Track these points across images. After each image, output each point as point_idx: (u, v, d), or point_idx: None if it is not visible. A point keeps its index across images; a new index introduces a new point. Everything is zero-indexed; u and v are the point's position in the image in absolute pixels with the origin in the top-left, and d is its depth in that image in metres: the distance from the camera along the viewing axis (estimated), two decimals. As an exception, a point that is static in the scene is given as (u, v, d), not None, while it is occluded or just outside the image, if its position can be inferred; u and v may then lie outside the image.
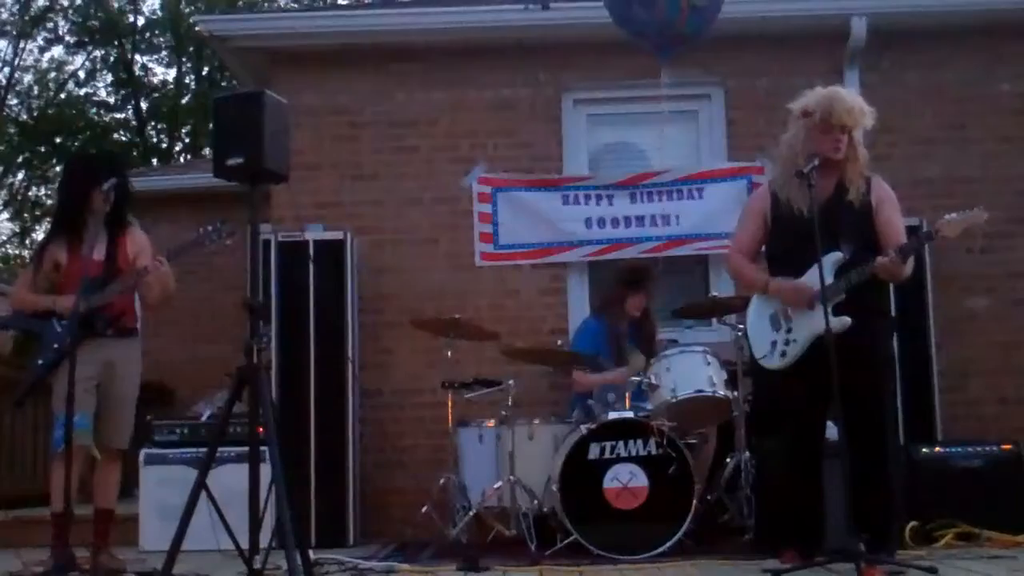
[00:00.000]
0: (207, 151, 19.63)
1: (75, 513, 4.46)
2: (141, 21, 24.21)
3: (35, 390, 4.80)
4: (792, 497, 4.36)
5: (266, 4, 23.61)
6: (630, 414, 5.14)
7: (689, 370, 5.22)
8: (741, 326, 4.90)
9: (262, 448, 3.54)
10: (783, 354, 4.29)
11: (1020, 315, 6.41)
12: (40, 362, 4.68)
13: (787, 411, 4.36)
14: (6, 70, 23.91)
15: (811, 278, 4.14)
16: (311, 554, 3.81)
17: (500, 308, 6.50)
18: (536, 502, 5.22)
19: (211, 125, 4.48)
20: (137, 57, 24.10)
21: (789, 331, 4.29)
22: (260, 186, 3.78)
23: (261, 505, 3.49)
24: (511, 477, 5.17)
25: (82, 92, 24.53)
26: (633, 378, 5.35)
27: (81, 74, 24.53)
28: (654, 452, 4.99)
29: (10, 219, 25.54)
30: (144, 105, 24.10)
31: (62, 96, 24.40)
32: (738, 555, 4.69)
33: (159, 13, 24.00)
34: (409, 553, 5.30)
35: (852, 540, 3.88)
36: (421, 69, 6.69)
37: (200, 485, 3.50)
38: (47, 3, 23.64)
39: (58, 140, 23.62)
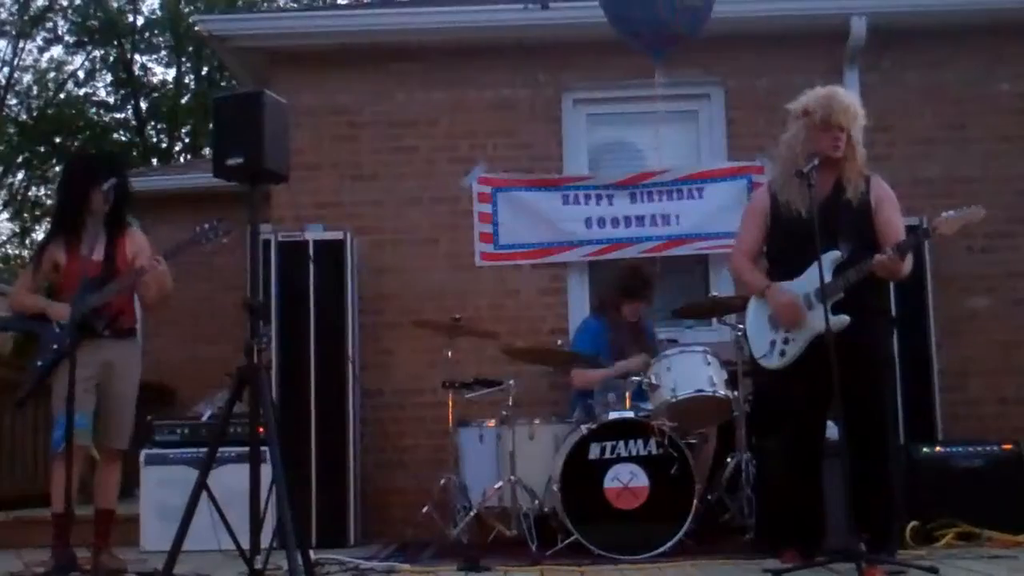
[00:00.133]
0: (207, 151, 19.63)
1: (76, 513, 4.47)
2: (140, 21, 24.26)
3: (35, 391, 4.80)
4: (792, 497, 4.36)
5: (265, 4, 23.61)
6: (630, 414, 5.15)
7: (689, 370, 5.21)
8: (741, 326, 4.90)
9: (263, 448, 3.54)
10: (782, 353, 4.30)
11: (1020, 315, 6.40)
12: (39, 363, 4.69)
13: (787, 411, 4.36)
14: (6, 70, 23.95)
15: (810, 277, 4.15)
16: (312, 554, 3.81)
17: (500, 308, 6.50)
18: (537, 502, 5.22)
19: (211, 125, 4.48)
20: (137, 57, 24.15)
21: (788, 330, 4.28)
22: (260, 186, 3.78)
23: (262, 505, 3.49)
24: (512, 477, 5.17)
25: (82, 92, 24.57)
26: (634, 378, 5.35)
27: (81, 74, 24.59)
28: (655, 452, 4.99)
29: (10, 219, 25.60)
30: (144, 105, 24.12)
31: (62, 96, 24.41)
32: (739, 555, 4.70)
33: (158, 13, 24.03)
34: (410, 553, 5.30)
35: (853, 540, 3.89)
36: (421, 69, 6.69)
37: (201, 485, 3.50)
38: (46, 3, 23.64)
39: (58, 140, 23.64)
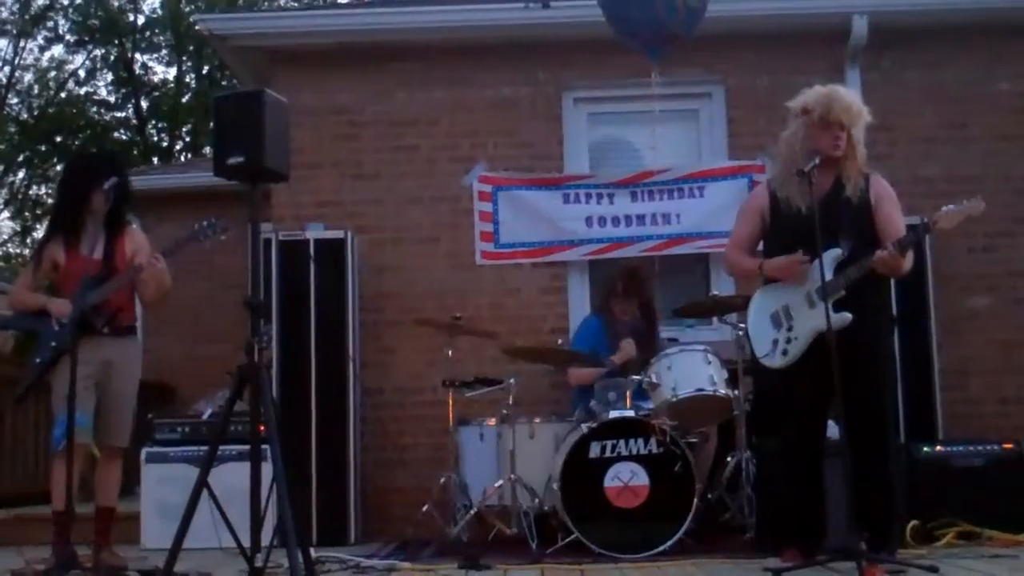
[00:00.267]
0: (207, 150, 19.64)
1: (76, 511, 4.47)
2: (141, 20, 24.30)
3: (35, 388, 4.81)
4: (793, 496, 4.36)
5: (266, 3, 23.64)
6: (631, 413, 5.15)
7: (690, 369, 5.21)
8: (742, 325, 4.90)
9: (263, 446, 3.54)
10: (784, 352, 4.29)
11: (1021, 314, 6.40)
12: (38, 360, 4.69)
13: (788, 410, 4.36)
14: (6, 69, 23.97)
15: (811, 275, 4.15)
16: (312, 552, 3.81)
17: (501, 307, 6.50)
18: (537, 501, 5.23)
19: (211, 124, 4.48)
20: (137, 56, 24.18)
21: (790, 329, 4.28)
22: (260, 185, 3.78)
23: (262, 503, 3.49)
24: (512, 476, 5.18)
25: (82, 91, 24.61)
26: (634, 376, 5.35)
27: (81, 73, 24.62)
28: (655, 451, 4.99)
29: (11, 218, 25.61)
30: (144, 104, 24.14)
31: (62, 95, 24.44)
32: (739, 554, 4.69)
33: (159, 12, 24.06)
34: (410, 551, 5.30)
35: (853, 539, 3.89)
36: (421, 68, 6.69)
37: (202, 483, 3.50)
38: (47, 2, 23.65)
39: (58, 139, 23.67)
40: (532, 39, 6.60)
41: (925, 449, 5.38)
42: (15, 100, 24.22)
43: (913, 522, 4.91)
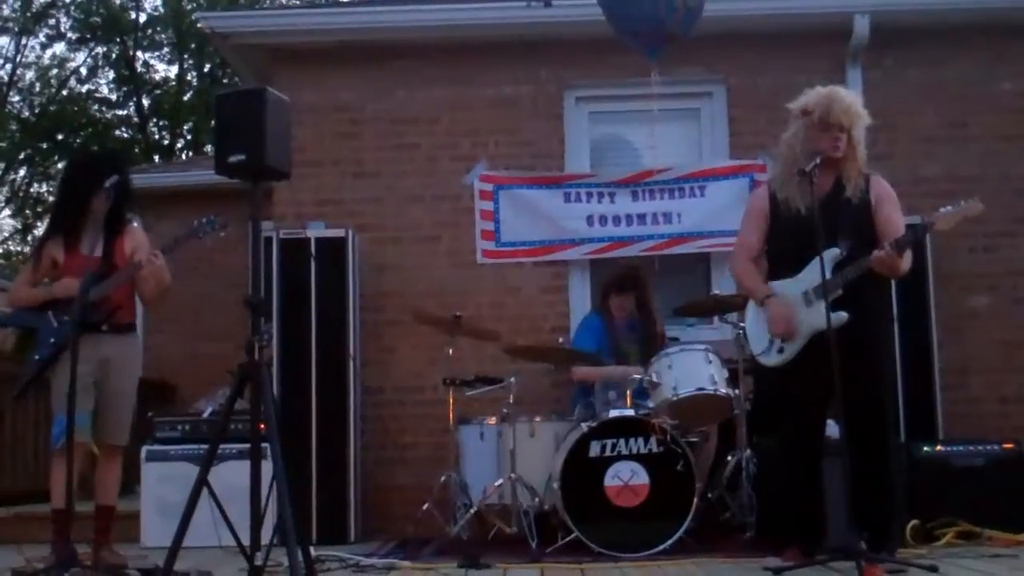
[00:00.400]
0: (209, 148, 19.62)
1: (76, 509, 4.46)
2: (143, 18, 24.31)
3: (34, 385, 4.80)
4: (793, 495, 4.36)
5: (268, 1, 23.62)
6: (631, 412, 5.15)
7: (690, 368, 5.21)
8: (742, 324, 4.90)
9: (263, 445, 3.54)
10: (780, 351, 4.30)
11: (1021, 313, 6.40)
12: (36, 357, 4.69)
13: (788, 409, 4.36)
14: (8, 67, 23.99)
15: (810, 274, 4.15)
16: (312, 551, 3.81)
17: (501, 306, 6.50)
18: (537, 500, 5.23)
19: (213, 122, 4.48)
20: (139, 54, 24.19)
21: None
22: (262, 183, 3.78)
23: (262, 502, 3.49)
24: (512, 475, 5.18)
25: (84, 89, 24.63)
26: (634, 375, 5.35)
27: (83, 71, 24.64)
28: (655, 450, 4.99)
29: (12, 216, 25.62)
30: (146, 102, 24.17)
31: (64, 93, 24.45)
32: (739, 553, 4.70)
33: (161, 10, 24.06)
34: (410, 550, 5.30)
35: (853, 538, 3.90)
36: (422, 66, 6.69)
37: (202, 481, 3.50)
38: (49, 0, 23.66)
39: (60, 137, 23.68)
40: (534, 38, 6.60)
41: (925, 448, 5.38)
42: (16, 98, 24.27)
43: (913, 522, 4.92)
